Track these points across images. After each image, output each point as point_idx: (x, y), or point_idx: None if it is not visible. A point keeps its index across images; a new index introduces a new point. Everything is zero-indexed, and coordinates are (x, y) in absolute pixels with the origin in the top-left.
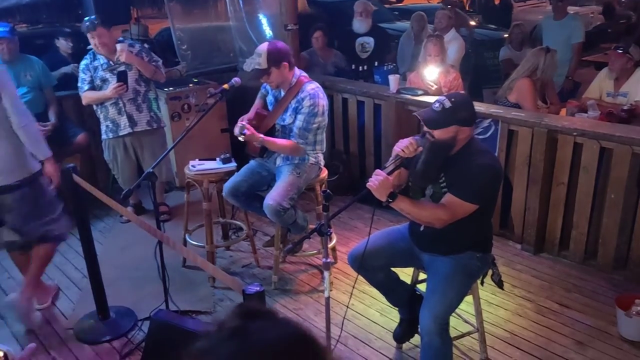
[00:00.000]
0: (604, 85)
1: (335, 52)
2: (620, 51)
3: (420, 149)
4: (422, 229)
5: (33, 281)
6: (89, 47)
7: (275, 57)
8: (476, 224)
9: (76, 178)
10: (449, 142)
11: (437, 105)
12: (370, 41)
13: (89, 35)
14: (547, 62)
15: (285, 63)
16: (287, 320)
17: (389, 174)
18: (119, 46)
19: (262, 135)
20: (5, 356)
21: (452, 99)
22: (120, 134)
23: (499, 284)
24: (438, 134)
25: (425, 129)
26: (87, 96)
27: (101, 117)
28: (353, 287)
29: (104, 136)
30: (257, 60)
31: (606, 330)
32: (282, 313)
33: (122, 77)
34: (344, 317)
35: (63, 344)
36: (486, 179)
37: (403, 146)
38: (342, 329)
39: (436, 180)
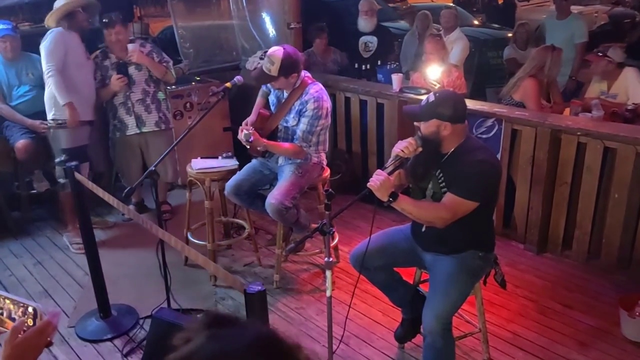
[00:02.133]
0: (598, 86)
1: (334, 49)
2: (600, 54)
3: (420, 149)
4: (423, 229)
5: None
6: (100, 45)
7: (287, 69)
8: (478, 222)
9: (78, 176)
10: (432, 137)
11: (424, 100)
12: (373, 40)
13: (106, 31)
14: (553, 60)
15: (294, 74)
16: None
17: (390, 174)
18: (130, 46)
19: (265, 141)
20: (35, 311)
21: (437, 94)
22: (128, 133)
23: (502, 283)
24: (422, 128)
25: (415, 124)
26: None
27: (110, 115)
28: (355, 287)
29: (110, 135)
30: (268, 66)
31: (609, 331)
32: (282, 312)
33: (122, 70)
34: (347, 317)
35: (64, 342)
36: (484, 175)
37: (402, 146)
38: (344, 329)
39: (427, 176)
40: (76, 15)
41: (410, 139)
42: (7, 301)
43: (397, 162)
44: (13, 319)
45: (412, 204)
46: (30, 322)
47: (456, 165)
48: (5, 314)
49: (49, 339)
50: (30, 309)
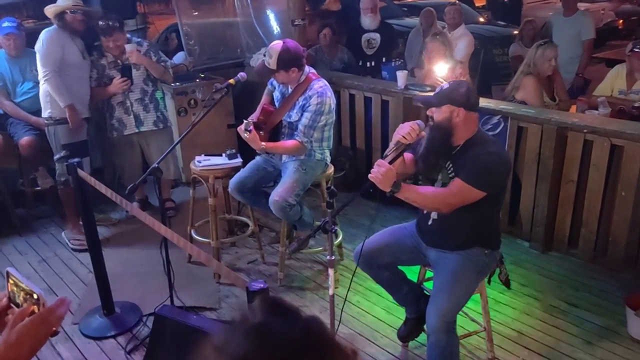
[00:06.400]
0: (616, 83)
1: (341, 47)
2: (638, 50)
3: (423, 133)
4: (430, 222)
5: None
6: (96, 43)
7: (285, 62)
8: (484, 218)
9: (81, 173)
10: (445, 123)
11: (438, 89)
12: (376, 37)
13: (103, 38)
14: (538, 56)
15: (294, 68)
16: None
17: (391, 162)
18: (128, 47)
19: (264, 144)
20: (38, 299)
21: (451, 82)
22: (126, 133)
23: (506, 283)
24: (436, 116)
25: (428, 113)
26: (92, 93)
27: (107, 115)
28: (350, 282)
29: (108, 134)
30: (268, 59)
31: (615, 330)
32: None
33: (126, 72)
34: (342, 310)
35: (68, 339)
36: (494, 166)
37: (405, 132)
38: (340, 322)
39: (438, 166)
40: (64, 17)
41: (412, 123)
42: (12, 281)
43: (399, 149)
44: (17, 304)
45: (416, 192)
46: (35, 309)
47: (466, 156)
48: (9, 297)
49: (54, 328)
50: (35, 295)
